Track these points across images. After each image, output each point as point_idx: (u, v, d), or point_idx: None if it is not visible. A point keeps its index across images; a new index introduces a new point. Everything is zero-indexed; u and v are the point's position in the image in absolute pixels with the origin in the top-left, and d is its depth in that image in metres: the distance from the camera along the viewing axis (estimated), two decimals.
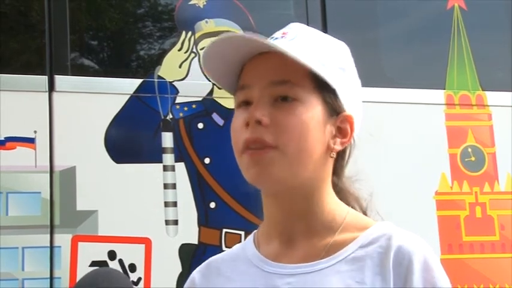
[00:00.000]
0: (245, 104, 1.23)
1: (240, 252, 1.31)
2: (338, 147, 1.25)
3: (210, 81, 2.39)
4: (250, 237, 1.32)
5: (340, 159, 1.29)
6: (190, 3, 3.32)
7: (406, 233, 1.21)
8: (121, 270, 2.87)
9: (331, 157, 1.24)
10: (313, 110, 1.21)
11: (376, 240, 1.20)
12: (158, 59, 3.27)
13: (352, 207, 1.29)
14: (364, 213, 1.30)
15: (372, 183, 1.32)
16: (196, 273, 1.34)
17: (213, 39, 1.23)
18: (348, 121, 1.25)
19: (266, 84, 1.21)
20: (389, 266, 1.16)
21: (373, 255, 1.18)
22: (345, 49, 1.31)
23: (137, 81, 3.15)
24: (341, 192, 1.29)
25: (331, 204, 1.25)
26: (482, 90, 3.68)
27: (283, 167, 1.19)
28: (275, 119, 1.19)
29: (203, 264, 1.35)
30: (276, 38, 1.26)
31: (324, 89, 1.23)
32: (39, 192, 2.92)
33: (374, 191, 1.32)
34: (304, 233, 1.24)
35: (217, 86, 1.32)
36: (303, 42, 1.24)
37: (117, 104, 3.09)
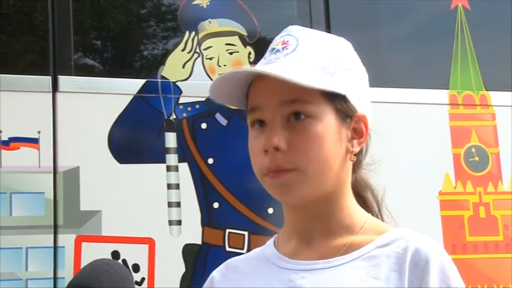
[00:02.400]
0: (258, 122, 1.24)
1: (260, 253, 1.33)
2: (357, 149, 1.26)
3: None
4: (271, 239, 1.34)
5: (356, 157, 1.29)
6: (193, 3, 3.32)
7: (424, 237, 1.22)
8: None
9: (351, 160, 1.26)
10: (326, 122, 1.22)
11: (393, 242, 1.21)
12: (161, 59, 3.27)
13: (368, 200, 1.31)
14: (379, 205, 1.32)
15: (380, 177, 1.33)
16: (215, 273, 1.36)
17: (213, 81, 1.23)
18: (362, 120, 1.26)
19: (277, 105, 1.22)
20: (406, 266, 1.18)
21: (390, 254, 1.20)
22: (347, 46, 1.31)
23: (140, 82, 3.15)
24: (358, 187, 1.31)
25: (350, 207, 1.27)
26: (486, 90, 3.67)
27: (305, 184, 1.21)
28: (292, 143, 1.20)
29: (222, 264, 1.37)
30: (277, 51, 1.26)
31: (333, 97, 1.23)
32: (43, 193, 2.92)
33: (386, 184, 1.33)
34: (322, 234, 1.26)
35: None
36: (304, 52, 1.24)
37: (120, 104, 3.09)
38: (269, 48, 1.28)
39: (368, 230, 1.25)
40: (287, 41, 1.27)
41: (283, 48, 1.26)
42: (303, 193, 1.22)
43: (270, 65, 1.23)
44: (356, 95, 1.26)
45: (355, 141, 1.26)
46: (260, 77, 1.24)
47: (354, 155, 1.27)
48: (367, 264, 1.20)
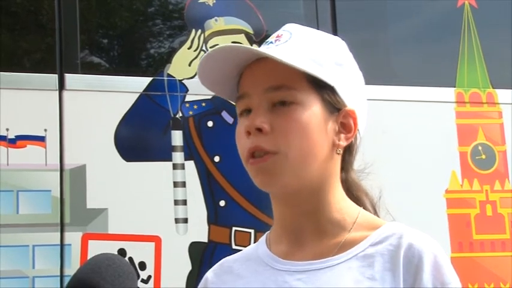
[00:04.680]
0: (246, 112, 1.24)
1: (253, 252, 1.32)
2: (343, 143, 1.25)
3: None
4: (263, 237, 1.33)
5: (347, 154, 1.29)
6: (200, 1, 3.32)
7: (416, 232, 1.21)
8: None
9: (338, 153, 1.25)
10: (311, 111, 1.21)
11: (386, 239, 1.20)
12: (168, 57, 3.27)
13: (362, 201, 1.29)
14: (374, 207, 1.31)
15: (380, 177, 1.32)
16: (209, 273, 1.35)
17: (203, 55, 1.24)
18: (350, 116, 1.25)
19: (263, 91, 1.22)
20: (400, 264, 1.17)
21: (384, 253, 1.19)
22: (341, 44, 1.31)
23: (147, 80, 3.16)
24: (350, 187, 1.30)
25: (340, 202, 1.26)
26: (493, 88, 3.66)
27: (287, 171, 1.20)
28: (275, 126, 1.20)
29: (216, 264, 1.36)
30: (271, 42, 1.27)
31: (321, 87, 1.23)
32: (50, 191, 2.93)
33: (383, 185, 1.32)
34: (313, 232, 1.24)
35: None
36: (296, 43, 1.25)
37: (127, 102, 3.10)
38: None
39: (360, 225, 1.24)
40: (281, 35, 1.28)
41: (275, 40, 1.27)
42: (286, 180, 1.20)
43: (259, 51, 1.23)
44: (346, 90, 1.25)
45: (342, 135, 1.25)
46: (249, 67, 1.25)
47: (344, 150, 1.26)
48: (361, 264, 1.19)
